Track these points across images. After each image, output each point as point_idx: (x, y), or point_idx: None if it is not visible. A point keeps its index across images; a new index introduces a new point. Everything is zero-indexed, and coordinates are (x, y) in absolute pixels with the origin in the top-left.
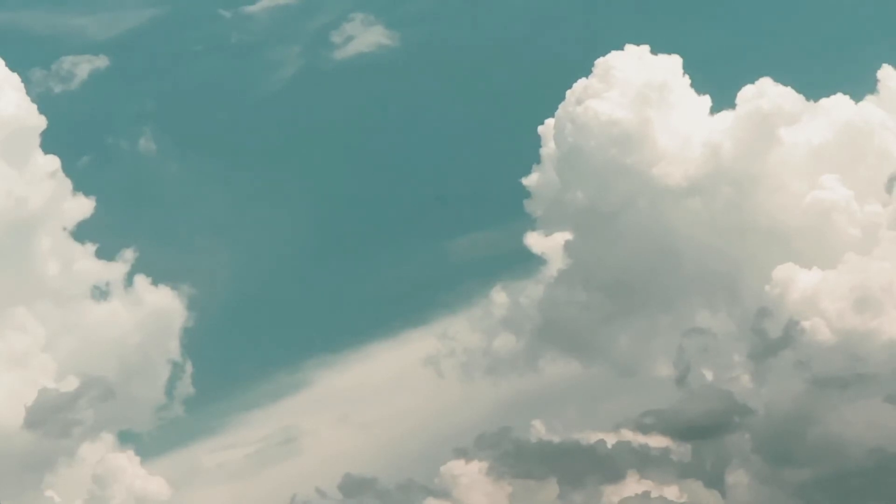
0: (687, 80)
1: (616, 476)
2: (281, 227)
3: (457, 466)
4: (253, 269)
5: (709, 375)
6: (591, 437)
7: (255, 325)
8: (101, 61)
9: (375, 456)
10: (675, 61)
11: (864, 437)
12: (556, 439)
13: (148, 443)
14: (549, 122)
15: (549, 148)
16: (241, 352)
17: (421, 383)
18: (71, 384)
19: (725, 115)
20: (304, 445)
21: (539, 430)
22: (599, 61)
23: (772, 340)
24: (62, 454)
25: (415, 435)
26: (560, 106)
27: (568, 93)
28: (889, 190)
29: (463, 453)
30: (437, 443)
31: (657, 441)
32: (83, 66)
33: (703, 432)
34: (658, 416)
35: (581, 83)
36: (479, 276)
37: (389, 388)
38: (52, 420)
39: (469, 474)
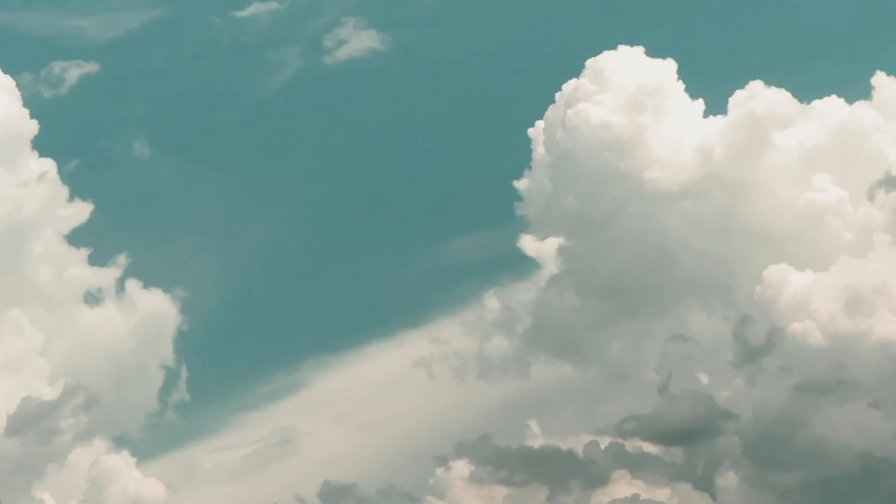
0: (681, 84)
1: (606, 479)
2: (275, 230)
3: (446, 471)
4: (248, 271)
5: (694, 380)
6: (582, 441)
7: (252, 327)
8: (92, 66)
9: (372, 457)
10: (669, 65)
11: (852, 441)
12: (546, 443)
13: (144, 444)
14: (539, 124)
15: (539, 151)
16: (237, 354)
17: (415, 386)
18: (58, 391)
19: (718, 119)
20: (301, 446)
21: (530, 433)
22: (590, 62)
23: (761, 344)
24: (53, 460)
25: (409, 438)
26: (550, 108)
27: (557, 95)
28: (871, 194)
29: (451, 458)
30: (435, 445)
31: (644, 445)
32: (73, 71)
33: (686, 437)
34: (639, 422)
35: (571, 84)
36: (475, 277)
37: (387, 389)
38: (35, 429)
39: (458, 478)
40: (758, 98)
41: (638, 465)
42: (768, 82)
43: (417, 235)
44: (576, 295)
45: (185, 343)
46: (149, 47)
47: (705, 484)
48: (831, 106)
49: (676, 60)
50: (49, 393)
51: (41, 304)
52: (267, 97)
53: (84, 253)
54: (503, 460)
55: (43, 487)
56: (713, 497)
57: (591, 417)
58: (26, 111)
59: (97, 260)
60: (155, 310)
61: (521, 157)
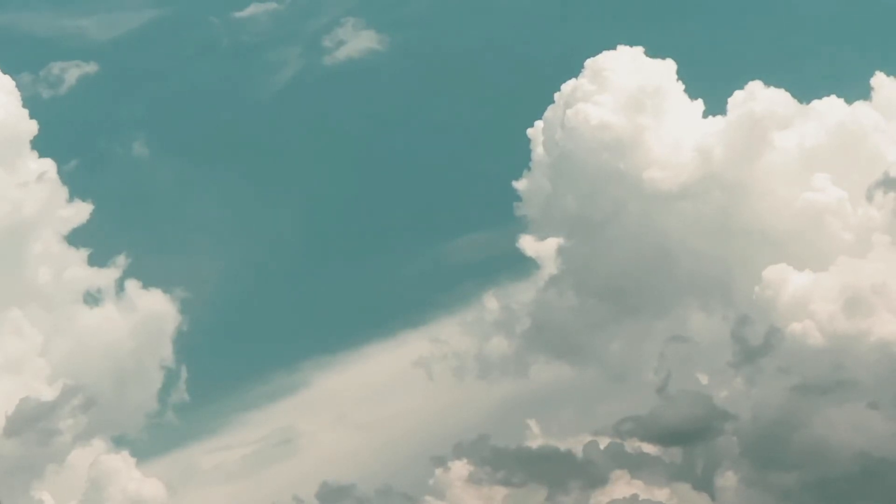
0: (680, 84)
1: (605, 479)
2: (274, 230)
3: (445, 471)
4: (248, 271)
5: (692, 381)
6: (581, 441)
7: (251, 327)
8: (91, 67)
9: (371, 458)
10: (668, 65)
11: (850, 442)
12: (544, 443)
13: (144, 445)
14: (538, 124)
15: (538, 152)
16: (236, 354)
17: (415, 386)
18: (58, 391)
19: (718, 119)
20: (300, 446)
21: (529, 434)
22: (589, 62)
23: (760, 345)
24: (52, 460)
25: (409, 438)
26: (549, 108)
27: (556, 95)
28: (870, 195)
29: (450, 458)
30: (434, 445)
31: (643, 446)
32: (72, 71)
33: (685, 437)
34: (638, 422)
35: (570, 84)
36: (475, 277)
37: (386, 389)
38: (33, 429)
39: (457, 479)
40: (757, 98)
41: (637, 466)
42: (767, 82)
43: (417, 235)
44: (575, 295)
45: (185, 343)
46: (148, 47)
47: (704, 484)
48: (830, 106)
49: (676, 61)
50: (48, 393)
51: (41, 305)
52: (266, 97)
53: (83, 253)
54: (502, 461)
55: (42, 487)
56: (712, 497)
57: (591, 418)
58: (25, 111)
59: (97, 260)
60: (154, 310)
61: (521, 158)
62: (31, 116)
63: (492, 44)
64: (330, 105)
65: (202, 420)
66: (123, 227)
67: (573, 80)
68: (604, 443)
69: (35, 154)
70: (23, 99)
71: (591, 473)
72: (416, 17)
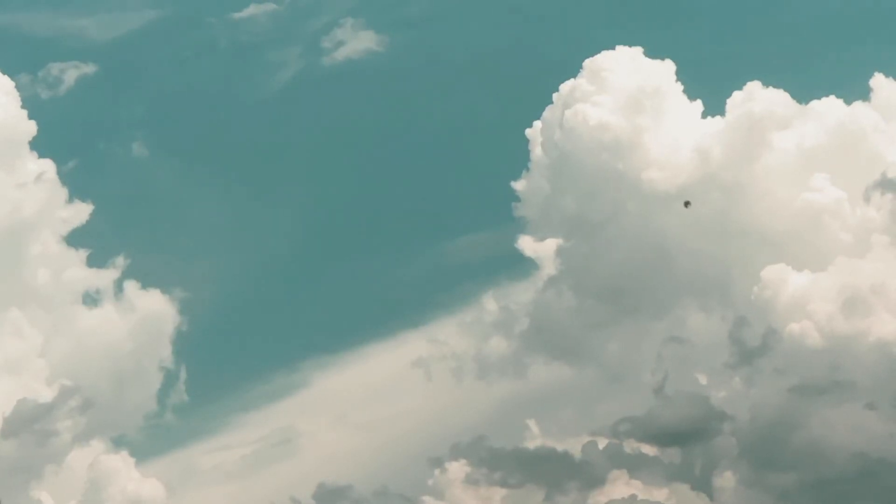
0: (679, 85)
1: (603, 480)
2: (274, 231)
3: (442, 472)
4: (247, 271)
5: (690, 382)
6: (579, 442)
7: (252, 327)
8: (89, 67)
9: (369, 459)
10: (667, 66)
11: (848, 442)
12: (542, 444)
13: (143, 445)
14: (537, 124)
15: (537, 152)
16: (236, 354)
17: (414, 386)
18: (55, 392)
19: (717, 120)
20: (300, 446)
21: (528, 434)
22: (588, 62)
23: (757, 346)
24: (51, 461)
25: (407, 439)
26: (548, 109)
27: (555, 95)
28: (868, 196)
29: (447, 459)
30: (433, 446)
31: (641, 446)
32: (71, 72)
33: (683, 438)
34: (635, 423)
35: (569, 85)
36: (474, 278)
37: (386, 390)
38: (30, 430)
39: (455, 480)
40: (756, 99)
41: (636, 466)
42: (766, 83)
43: (417, 236)
44: (574, 296)
45: (184, 344)
46: (148, 48)
47: (703, 484)
48: (830, 107)
49: (675, 61)
50: (46, 394)
51: (40, 305)
52: (265, 98)
53: (83, 254)
54: (499, 461)
55: (41, 488)
56: (710, 497)
57: (589, 418)
58: (24, 112)
59: (96, 261)
60: (153, 310)
61: (519, 158)
62: (31, 117)
63: (491, 44)
64: (329, 105)
65: (201, 420)
66: (122, 227)
67: (572, 80)
68: (602, 443)
69: (34, 155)
70: (22, 100)
71: (589, 474)
72: (416, 18)
